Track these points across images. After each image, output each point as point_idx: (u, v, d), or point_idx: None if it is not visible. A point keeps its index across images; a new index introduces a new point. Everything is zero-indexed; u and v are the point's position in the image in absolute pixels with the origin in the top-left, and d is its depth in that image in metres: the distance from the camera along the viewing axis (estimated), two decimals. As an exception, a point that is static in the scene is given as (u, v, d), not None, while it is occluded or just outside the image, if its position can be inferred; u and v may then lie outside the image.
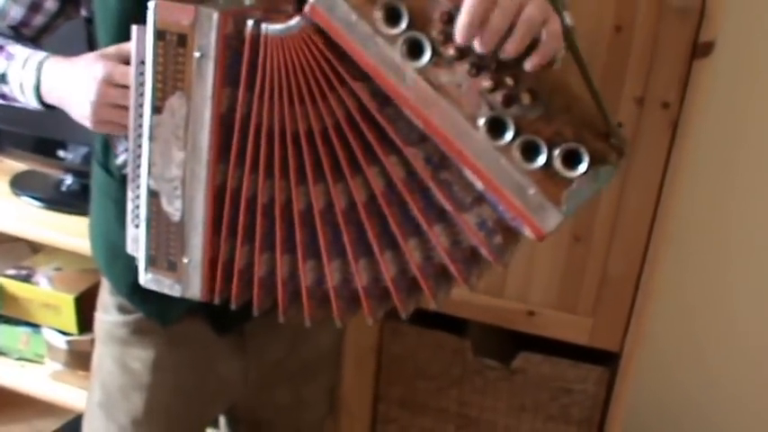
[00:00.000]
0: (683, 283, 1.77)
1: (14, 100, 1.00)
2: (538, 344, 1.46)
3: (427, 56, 0.74)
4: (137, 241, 0.89)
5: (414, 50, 0.74)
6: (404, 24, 0.73)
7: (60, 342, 1.72)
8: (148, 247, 0.87)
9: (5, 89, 0.98)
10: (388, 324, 1.53)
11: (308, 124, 0.79)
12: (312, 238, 0.83)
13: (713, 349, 1.82)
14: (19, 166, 1.82)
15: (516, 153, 0.74)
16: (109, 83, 0.86)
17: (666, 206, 1.28)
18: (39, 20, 1.04)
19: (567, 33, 0.75)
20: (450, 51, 0.73)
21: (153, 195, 0.85)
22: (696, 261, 1.76)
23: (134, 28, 0.81)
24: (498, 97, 0.72)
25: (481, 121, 0.74)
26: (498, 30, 0.70)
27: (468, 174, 0.77)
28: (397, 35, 0.73)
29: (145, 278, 0.89)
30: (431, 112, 0.74)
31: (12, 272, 1.75)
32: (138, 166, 0.86)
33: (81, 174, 1.69)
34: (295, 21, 0.76)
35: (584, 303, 1.40)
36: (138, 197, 0.87)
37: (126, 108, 0.85)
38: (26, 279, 1.73)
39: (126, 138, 0.89)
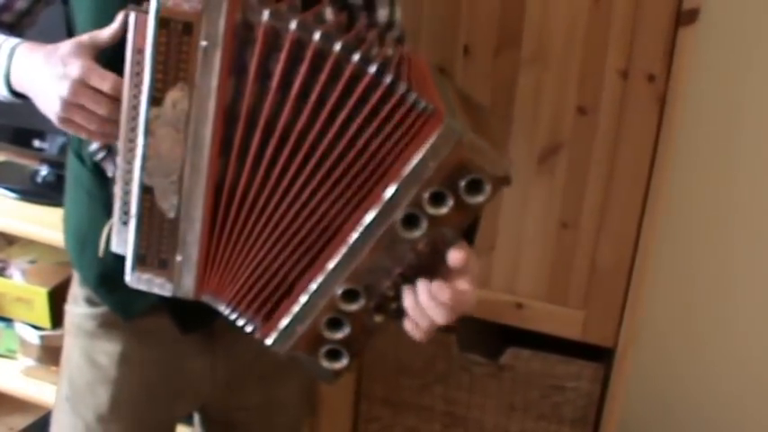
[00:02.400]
0: (680, 274, 1.73)
1: None
2: (527, 338, 1.43)
3: (406, 236, 0.79)
4: (124, 239, 0.86)
5: (407, 222, 0.79)
6: (436, 211, 0.78)
7: (33, 337, 1.72)
8: (138, 246, 0.85)
9: None
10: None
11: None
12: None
13: (713, 345, 1.78)
14: None
15: (329, 317, 0.83)
16: (83, 84, 0.82)
17: (657, 188, 1.25)
18: (20, 4, 1.02)
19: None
20: (408, 255, 0.80)
21: (146, 191, 0.83)
22: (693, 250, 1.72)
23: (131, 15, 0.79)
24: (377, 295, 0.81)
25: (346, 287, 0.81)
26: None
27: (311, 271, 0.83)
28: (424, 210, 0.78)
29: (132, 277, 0.86)
30: (364, 228, 0.80)
31: (-15, 265, 1.75)
32: (130, 162, 0.83)
33: (57, 165, 1.67)
34: (425, 104, 0.77)
35: (575, 295, 1.37)
36: (128, 193, 0.85)
37: (92, 113, 0.83)
38: (0, 272, 1.72)
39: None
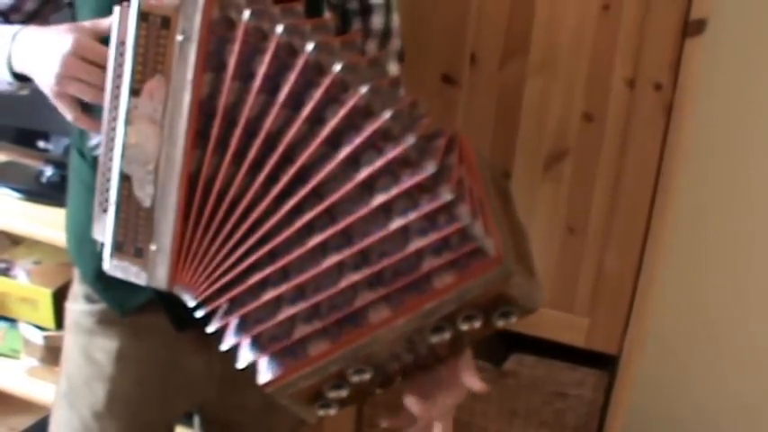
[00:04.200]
0: (687, 281, 1.72)
1: None
2: (531, 345, 1.41)
3: (434, 339, 0.79)
4: (103, 226, 0.88)
5: (438, 328, 0.79)
6: (465, 327, 0.78)
7: (37, 337, 1.72)
8: (116, 233, 0.86)
9: None
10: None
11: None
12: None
13: (720, 353, 1.77)
14: None
15: (333, 382, 0.82)
16: (76, 56, 0.85)
17: (665, 195, 1.25)
18: (29, 5, 1.04)
19: None
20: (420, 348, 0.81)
21: (124, 179, 0.84)
22: (701, 257, 1.71)
23: (116, 8, 0.81)
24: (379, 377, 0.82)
25: (365, 365, 0.81)
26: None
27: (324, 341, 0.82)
28: (454, 324, 0.78)
29: (110, 264, 0.87)
30: (393, 330, 0.79)
31: (-10, 265, 1.76)
32: (111, 150, 0.85)
33: (61, 165, 1.68)
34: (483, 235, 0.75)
35: (581, 301, 1.36)
36: (108, 180, 0.86)
37: (88, 84, 0.85)
38: (4, 272, 1.73)
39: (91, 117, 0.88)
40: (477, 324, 0.77)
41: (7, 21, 1.04)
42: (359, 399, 0.84)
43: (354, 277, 0.76)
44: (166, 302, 0.92)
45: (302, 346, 0.81)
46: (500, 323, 0.78)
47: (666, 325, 1.72)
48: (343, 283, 0.77)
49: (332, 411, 0.84)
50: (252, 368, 1.07)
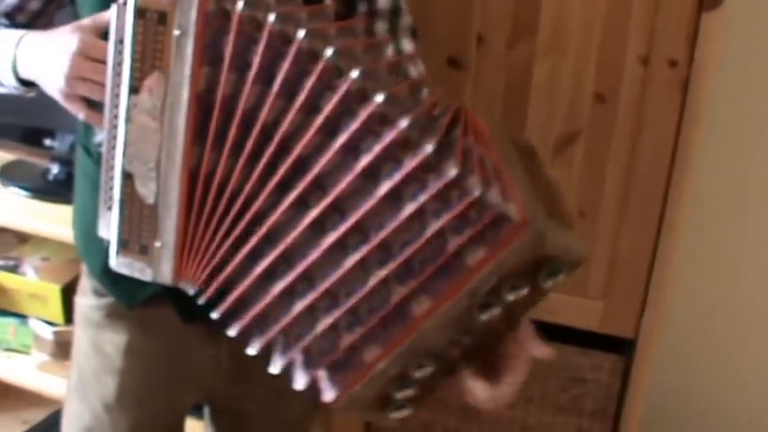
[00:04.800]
0: (705, 264, 1.70)
1: (0, 84, 1.00)
2: (544, 329, 1.40)
3: (483, 317, 0.75)
4: (109, 224, 0.88)
5: (483, 306, 0.76)
6: (511, 297, 0.74)
7: (47, 333, 1.74)
8: (121, 230, 0.86)
9: None
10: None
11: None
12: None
13: (738, 338, 1.75)
14: (6, 156, 1.83)
15: (397, 381, 0.78)
16: (83, 56, 0.85)
17: (681, 177, 1.23)
18: (34, 4, 1.04)
19: None
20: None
21: (127, 177, 0.84)
22: (718, 241, 1.69)
23: (113, 5, 0.81)
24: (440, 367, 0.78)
25: (423, 359, 0.77)
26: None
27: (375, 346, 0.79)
28: (501, 298, 0.74)
29: (116, 261, 0.87)
30: (438, 318, 0.75)
31: (-1, 262, 1.77)
32: (113, 147, 0.85)
33: (68, 163, 1.68)
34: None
35: (594, 286, 1.34)
36: (111, 178, 0.86)
37: (97, 83, 0.85)
38: (13, 269, 1.74)
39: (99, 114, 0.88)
40: (525, 291, 0.74)
41: (12, 21, 1.04)
42: (428, 392, 0.82)
43: (381, 273, 0.74)
44: (173, 296, 0.92)
45: (355, 355, 0.79)
46: (549, 284, 0.74)
47: (681, 309, 1.68)
48: (372, 282, 0.75)
49: (406, 412, 0.82)
50: (262, 359, 1.07)
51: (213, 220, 0.82)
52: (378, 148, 0.73)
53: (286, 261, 0.79)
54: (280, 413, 1.19)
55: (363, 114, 0.73)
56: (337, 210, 0.76)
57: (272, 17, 0.76)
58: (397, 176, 0.72)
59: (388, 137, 0.72)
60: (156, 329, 1.06)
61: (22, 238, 1.85)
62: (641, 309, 1.33)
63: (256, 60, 0.77)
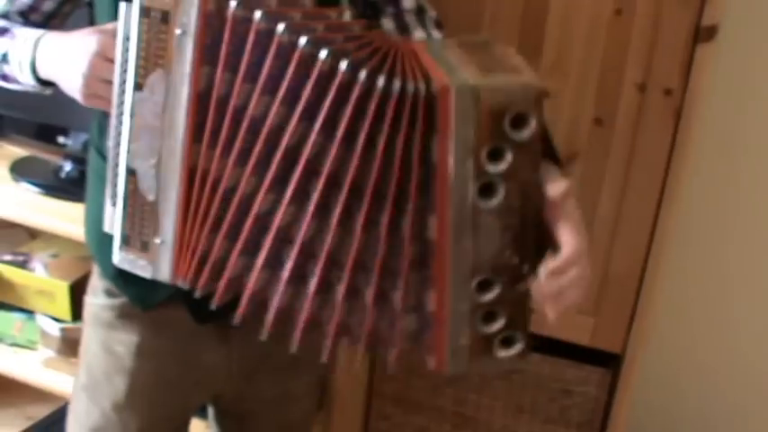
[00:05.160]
0: (690, 282, 1.73)
1: (15, 81, 1.01)
2: (536, 343, 1.42)
3: (492, 204, 0.75)
4: (113, 219, 0.89)
5: (486, 189, 0.75)
6: (498, 169, 0.73)
7: (54, 329, 1.72)
8: (124, 226, 0.87)
9: (6, 69, 0.99)
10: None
11: (340, 164, 0.77)
12: (278, 254, 0.82)
13: (722, 354, 1.78)
14: (19, 151, 1.82)
15: (481, 312, 0.78)
16: (101, 57, 0.86)
17: (671, 200, 1.26)
18: (47, 5, 1.05)
19: None
20: (509, 219, 0.75)
21: (130, 173, 0.85)
22: (705, 260, 1.72)
23: (121, 5, 0.82)
24: (508, 273, 0.77)
25: (479, 278, 0.77)
26: (564, 308, 0.79)
27: (432, 295, 0.79)
28: (487, 172, 0.74)
29: (119, 257, 0.88)
30: (454, 236, 0.76)
31: (8, 257, 1.75)
32: (119, 144, 0.86)
33: (80, 160, 1.68)
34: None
35: (586, 302, 1.34)
36: (116, 175, 0.87)
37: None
38: (22, 265, 1.72)
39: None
40: (508, 155, 0.72)
41: (27, 20, 1.04)
42: (519, 311, 0.79)
43: (384, 220, 0.75)
44: (187, 297, 0.92)
45: (422, 311, 0.78)
46: (524, 133, 0.72)
47: (668, 326, 1.73)
48: (384, 232, 0.76)
49: (518, 346, 0.80)
50: (269, 353, 1.07)
51: (210, 218, 0.83)
52: (309, 87, 0.75)
53: (308, 253, 0.79)
54: (285, 414, 1.20)
55: (334, 88, 0.75)
56: (313, 174, 0.77)
57: (258, 14, 0.77)
58: (325, 106, 0.74)
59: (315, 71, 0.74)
60: (168, 330, 1.06)
61: (32, 234, 1.83)
62: (629, 325, 1.35)
63: (245, 58, 0.78)
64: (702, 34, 1.17)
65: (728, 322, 1.75)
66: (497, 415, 1.50)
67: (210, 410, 1.26)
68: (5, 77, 1.01)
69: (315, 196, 0.78)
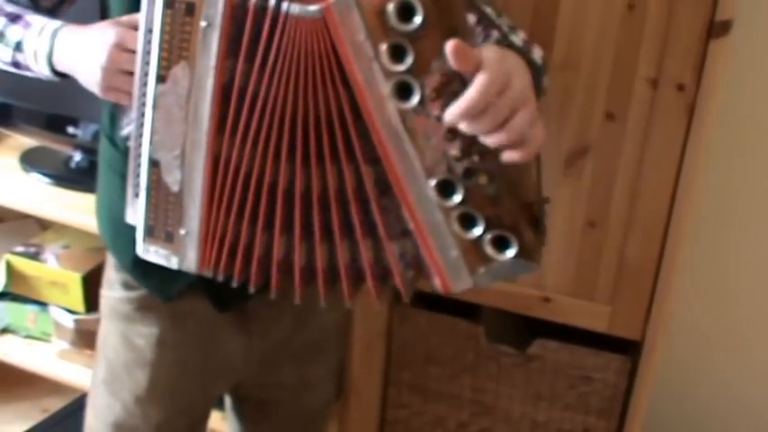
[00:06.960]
0: (711, 269, 1.71)
1: (28, 69, 1.00)
2: (554, 330, 1.42)
3: (413, 103, 0.76)
4: (136, 211, 0.89)
5: (402, 91, 0.76)
6: (404, 66, 0.75)
7: (67, 321, 1.72)
8: (147, 218, 0.87)
9: (20, 57, 0.99)
10: (397, 309, 1.50)
11: (304, 109, 0.79)
12: (289, 217, 0.84)
13: (744, 337, 1.76)
14: (29, 142, 1.82)
15: (455, 218, 0.79)
16: (120, 48, 0.86)
17: (684, 196, 1.24)
18: None
19: None
20: (435, 111, 0.76)
21: (153, 165, 0.85)
22: (725, 247, 1.70)
23: None
24: (460, 167, 0.77)
25: (434, 180, 0.79)
26: (486, 128, 0.74)
27: (405, 212, 0.81)
28: (394, 72, 0.75)
29: (143, 249, 0.89)
30: (393, 147, 0.78)
31: (20, 249, 1.76)
32: (141, 136, 0.86)
33: (90, 151, 1.69)
34: (315, 7, 0.76)
35: (602, 290, 1.36)
36: (139, 166, 0.87)
37: (134, 74, 0.85)
38: (34, 257, 1.73)
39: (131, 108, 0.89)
40: (410, 49, 0.73)
41: (36, 7, 1.03)
42: (499, 207, 0.78)
43: (342, 151, 0.79)
44: (208, 285, 0.93)
45: (410, 235, 0.81)
46: (414, 22, 0.73)
47: (688, 312, 1.71)
48: (345, 163, 0.80)
49: (514, 244, 0.78)
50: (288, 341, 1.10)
51: (234, 205, 0.83)
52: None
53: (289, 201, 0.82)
54: (304, 401, 1.21)
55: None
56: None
57: (272, 0, 0.77)
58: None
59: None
60: (187, 321, 1.06)
61: (44, 226, 1.84)
62: (647, 312, 1.34)
63: (261, 46, 0.79)
64: (716, 29, 1.15)
65: (753, 308, 1.73)
66: (516, 402, 1.49)
67: (228, 400, 1.26)
68: (17, 65, 1.00)
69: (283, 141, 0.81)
